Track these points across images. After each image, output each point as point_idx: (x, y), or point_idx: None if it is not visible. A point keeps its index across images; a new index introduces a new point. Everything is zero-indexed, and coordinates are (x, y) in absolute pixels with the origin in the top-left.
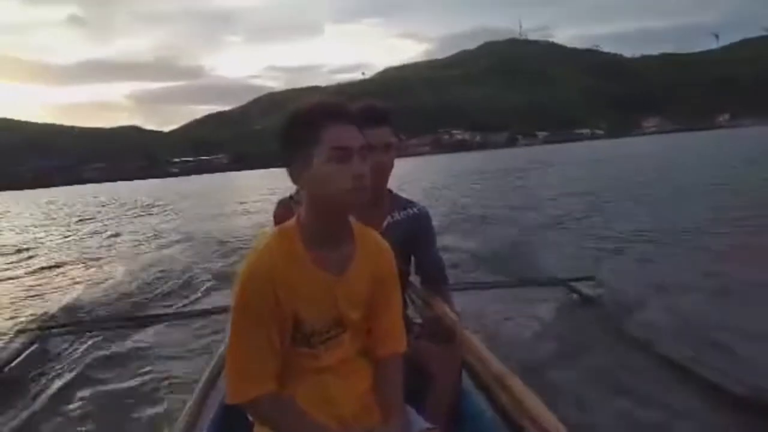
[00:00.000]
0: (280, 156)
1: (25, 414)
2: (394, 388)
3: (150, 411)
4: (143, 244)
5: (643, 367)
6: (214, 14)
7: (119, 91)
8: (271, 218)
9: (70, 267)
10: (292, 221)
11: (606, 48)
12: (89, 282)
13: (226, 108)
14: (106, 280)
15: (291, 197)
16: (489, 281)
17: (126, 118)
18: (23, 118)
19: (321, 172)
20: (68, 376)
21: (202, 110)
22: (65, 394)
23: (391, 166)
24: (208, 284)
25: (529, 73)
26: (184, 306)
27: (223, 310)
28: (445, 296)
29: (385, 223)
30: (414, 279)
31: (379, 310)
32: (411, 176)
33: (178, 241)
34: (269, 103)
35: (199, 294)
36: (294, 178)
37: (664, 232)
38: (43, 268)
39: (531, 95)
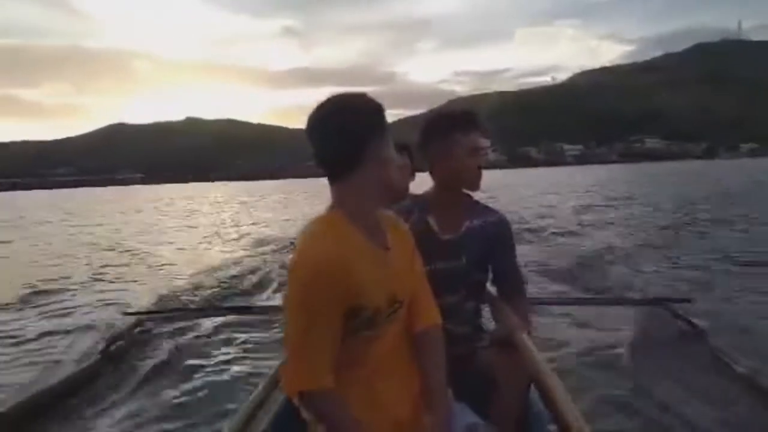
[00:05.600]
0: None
1: (125, 389)
2: (437, 367)
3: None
4: None
5: (738, 398)
6: (409, 22)
7: (322, 95)
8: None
9: None
10: (329, 208)
11: None
12: None
13: (417, 112)
14: None
15: None
16: (576, 297)
17: None
18: (244, 119)
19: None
20: (161, 358)
21: (394, 114)
22: (155, 374)
23: (472, 169)
24: None
25: (746, 78)
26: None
27: None
28: (521, 309)
29: (463, 228)
30: (491, 288)
31: (416, 285)
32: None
33: None
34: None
35: None
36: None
37: None
38: None
39: (744, 103)
